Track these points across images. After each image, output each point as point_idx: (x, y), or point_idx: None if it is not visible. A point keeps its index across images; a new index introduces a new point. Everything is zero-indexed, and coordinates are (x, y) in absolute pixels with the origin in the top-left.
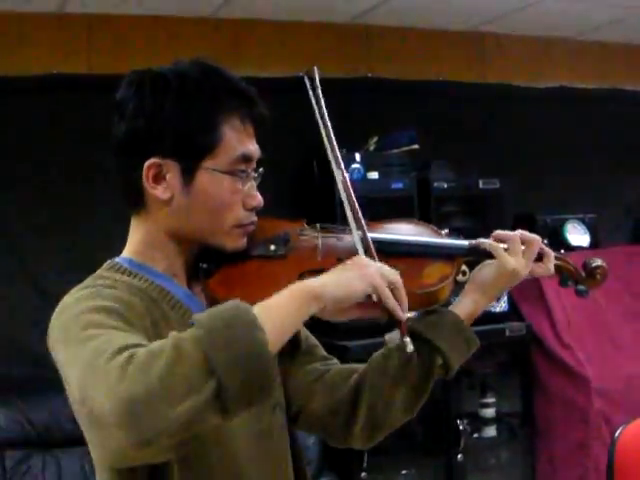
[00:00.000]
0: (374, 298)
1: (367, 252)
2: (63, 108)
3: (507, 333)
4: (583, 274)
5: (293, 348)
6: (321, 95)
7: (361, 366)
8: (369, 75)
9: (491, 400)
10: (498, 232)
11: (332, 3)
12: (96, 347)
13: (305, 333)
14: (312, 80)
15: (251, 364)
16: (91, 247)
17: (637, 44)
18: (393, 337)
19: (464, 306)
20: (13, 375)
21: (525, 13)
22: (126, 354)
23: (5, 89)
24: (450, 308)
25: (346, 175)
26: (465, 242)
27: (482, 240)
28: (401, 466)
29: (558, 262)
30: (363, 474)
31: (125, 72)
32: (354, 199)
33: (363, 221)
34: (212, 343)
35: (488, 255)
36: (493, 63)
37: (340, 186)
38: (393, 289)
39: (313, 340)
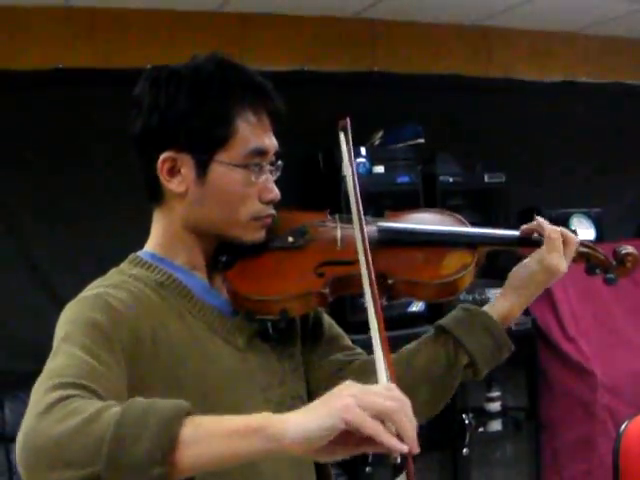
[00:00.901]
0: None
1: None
2: (67, 102)
3: (512, 327)
4: (613, 262)
5: (315, 338)
6: (352, 146)
7: (367, 359)
8: (374, 69)
9: (496, 394)
10: (543, 223)
11: None
12: (53, 368)
13: (329, 322)
14: (346, 131)
15: (133, 477)
16: (94, 244)
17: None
18: None
19: (499, 308)
20: (17, 370)
21: (529, 7)
22: (60, 395)
23: (9, 83)
24: (485, 309)
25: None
26: (486, 230)
27: (533, 228)
28: None
29: (586, 249)
30: (368, 468)
31: (129, 66)
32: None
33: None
34: (116, 432)
35: (510, 244)
36: (497, 57)
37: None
38: (385, 419)
39: (337, 329)
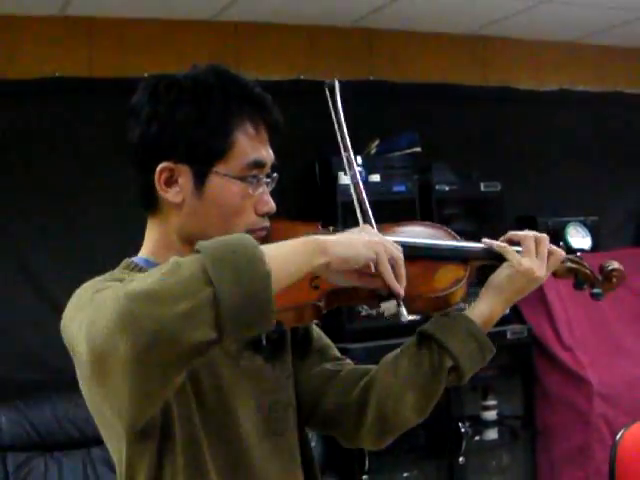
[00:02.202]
0: (373, 269)
1: None
2: (64, 111)
3: (508, 336)
4: (599, 277)
5: (304, 347)
6: (341, 108)
7: (374, 367)
8: (371, 78)
9: (492, 403)
10: (511, 233)
11: (334, 6)
12: (100, 298)
13: (317, 333)
14: (332, 91)
15: (248, 284)
16: (93, 252)
17: (636, 47)
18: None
19: (479, 311)
20: (15, 378)
21: (526, 16)
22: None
23: (6, 92)
24: (466, 313)
25: (359, 178)
26: (478, 245)
27: (494, 242)
28: (403, 468)
29: (573, 265)
30: (365, 476)
31: (126, 75)
32: (366, 203)
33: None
34: (212, 259)
35: (500, 257)
36: (494, 66)
37: (352, 189)
38: (393, 264)
39: (325, 340)
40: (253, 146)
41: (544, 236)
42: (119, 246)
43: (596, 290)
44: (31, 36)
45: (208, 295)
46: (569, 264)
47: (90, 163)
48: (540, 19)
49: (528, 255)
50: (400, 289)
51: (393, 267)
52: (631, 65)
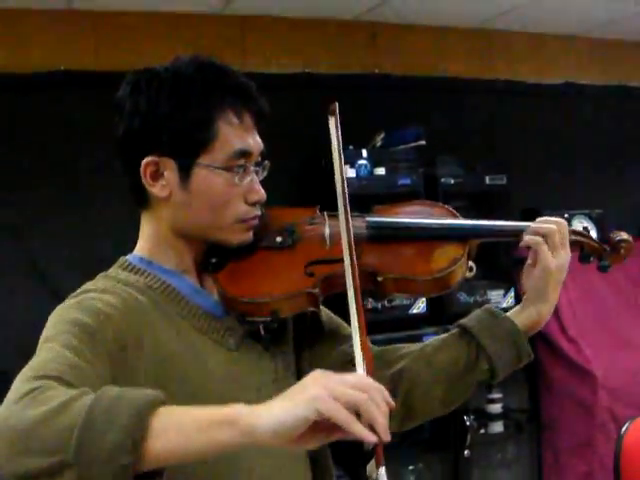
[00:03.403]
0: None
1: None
2: (70, 104)
3: None
4: (607, 248)
5: (317, 333)
6: (340, 134)
7: (391, 348)
8: (376, 71)
9: (497, 396)
10: (535, 227)
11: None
12: (34, 363)
13: (327, 314)
14: (335, 116)
15: (102, 465)
16: (96, 244)
17: None
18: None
19: (527, 317)
20: (19, 371)
21: (531, 9)
22: (37, 384)
23: (12, 85)
24: (513, 317)
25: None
26: (481, 222)
27: (532, 238)
28: (408, 461)
29: (579, 237)
30: None
31: (132, 68)
32: (350, 224)
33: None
34: (86, 420)
35: (506, 235)
36: (499, 59)
37: (342, 220)
38: (357, 409)
39: (337, 320)
40: (238, 135)
41: (564, 224)
42: (122, 240)
43: (603, 262)
44: (37, 30)
45: (59, 463)
46: (573, 237)
47: (95, 156)
48: (544, 12)
49: (555, 250)
50: (372, 437)
51: (359, 413)
52: (636, 59)
